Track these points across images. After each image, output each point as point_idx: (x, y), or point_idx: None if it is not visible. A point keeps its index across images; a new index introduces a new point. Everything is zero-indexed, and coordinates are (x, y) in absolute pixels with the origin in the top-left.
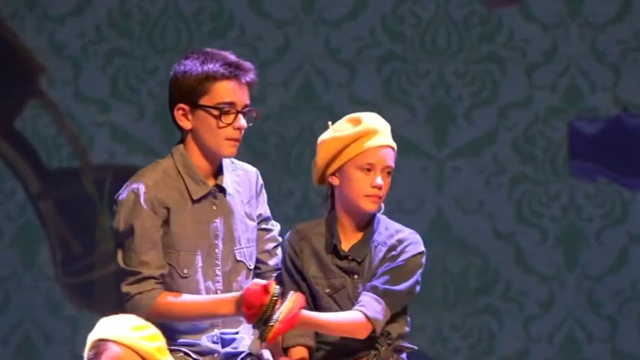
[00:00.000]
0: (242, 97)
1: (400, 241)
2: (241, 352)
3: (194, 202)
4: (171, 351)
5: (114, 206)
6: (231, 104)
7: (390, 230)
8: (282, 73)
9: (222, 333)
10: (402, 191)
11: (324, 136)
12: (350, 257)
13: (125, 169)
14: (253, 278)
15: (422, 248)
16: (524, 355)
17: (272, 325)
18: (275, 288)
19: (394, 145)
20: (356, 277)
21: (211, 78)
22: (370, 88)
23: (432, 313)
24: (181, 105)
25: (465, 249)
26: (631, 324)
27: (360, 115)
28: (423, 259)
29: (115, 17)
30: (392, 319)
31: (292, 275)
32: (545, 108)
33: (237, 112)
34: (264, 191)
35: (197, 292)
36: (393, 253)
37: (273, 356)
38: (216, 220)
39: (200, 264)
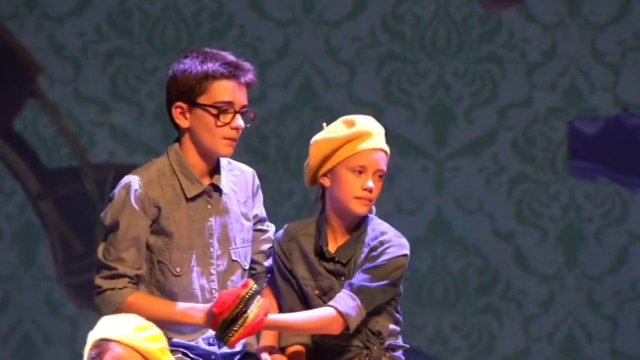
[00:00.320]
0: (240, 97)
1: (382, 243)
2: (238, 352)
3: (188, 200)
4: (170, 351)
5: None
6: (230, 104)
7: (375, 232)
8: (282, 73)
9: None
10: (402, 191)
11: (317, 137)
12: (336, 259)
13: (126, 168)
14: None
15: (404, 251)
16: (524, 354)
17: (236, 330)
18: (254, 285)
19: (387, 149)
20: (343, 279)
21: (210, 77)
22: (370, 88)
23: (432, 313)
24: (179, 103)
25: (465, 249)
26: (631, 324)
27: (354, 117)
28: (405, 262)
29: (114, 17)
30: (382, 318)
31: (284, 275)
32: (545, 108)
33: (235, 112)
34: (260, 192)
35: (191, 290)
36: (374, 253)
37: (270, 355)
38: (211, 219)
39: (194, 262)
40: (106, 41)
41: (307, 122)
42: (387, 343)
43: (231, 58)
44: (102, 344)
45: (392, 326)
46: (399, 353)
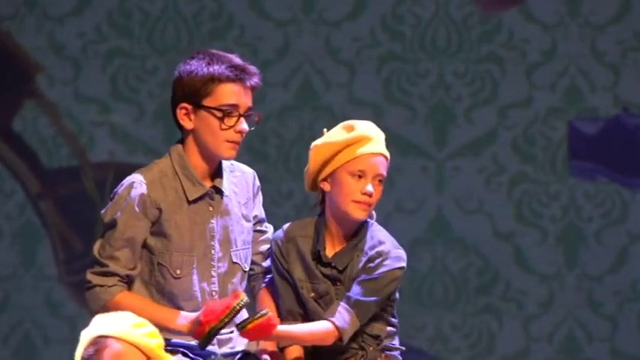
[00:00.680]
0: (245, 100)
1: (380, 254)
2: (239, 352)
3: (190, 202)
4: (169, 351)
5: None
6: (235, 107)
7: (374, 240)
8: (282, 73)
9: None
10: (402, 191)
11: (316, 142)
12: (332, 264)
13: (126, 167)
14: (248, 280)
15: (401, 264)
16: (524, 354)
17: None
18: (245, 297)
19: (387, 154)
20: (338, 284)
21: (216, 79)
22: (370, 88)
23: (432, 313)
24: (184, 104)
25: (465, 249)
26: (631, 324)
27: (354, 122)
28: (401, 275)
29: (115, 17)
30: (378, 323)
31: (282, 275)
32: (545, 108)
33: (240, 115)
34: (260, 193)
35: (191, 292)
36: (371, 264)
37: (270, 355)
38: (212, 221)
39: (195, 265)
40: (106, 41)
41: (307, 122)
42: (383, 344)
43: (237, 60)
44: (100, 341)
45: (388, 328)
46: (395, 353)
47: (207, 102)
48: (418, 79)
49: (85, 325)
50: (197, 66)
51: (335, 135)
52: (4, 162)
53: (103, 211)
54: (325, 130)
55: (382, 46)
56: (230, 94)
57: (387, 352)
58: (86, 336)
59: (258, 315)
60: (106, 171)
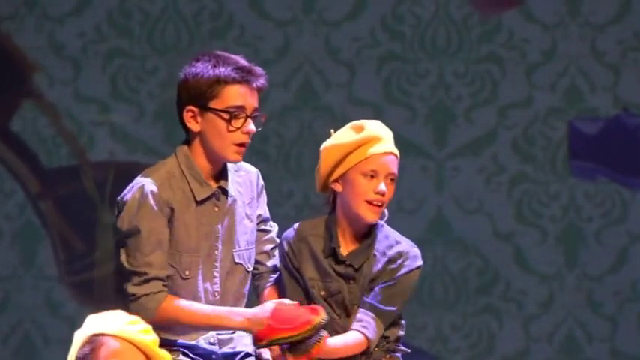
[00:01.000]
0: (252, 102)
1: (400, 254)
2: (239, 352)
3: (198, 203)
4: (169, 351)
5: (117, 206)
6: (242, 108)
7: (389, 240)
8: (282, 73)
9: (218, 334)
10: (402, 191)
11: (326, 144)
12: (347, 262)
13: (126, 166)
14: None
15: (420, 262)
16: (524, 354)
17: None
18: (326, 315)
19: (397, 152)
20: (352, 282)
21: (222, 81)
22: (370, 88)
23: (432, 313)
24: (191, 107)
25: (465, 249)
26: (631, 324)
27: (362, 122)
28: (419, 274)
29: (114, 17)
30: (393, 326)
31: (291, 273)
32: (545, 108)
33: (247, 117)
34: (264, 192)
35: (196, 293)
36: (392, 265)
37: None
38: (218, 222)
39: (200, 265)
40: (106, 41)
41: (307, 122)
42: (388, 345)
43: (243, 62)
44: (95, 339)
45: (400, 332)
46: (398, 354)
47: (213, 104)
48: (418, 79)
49: None
50: (203, 68)
51: (345, 136)
52: (4, 162)
53: (117, 221)
54: (332, 130)
55: (382, 46)
56: (237, 95)
57: (392, 354)
58: (80, 336)
59: (321, 337)
60: (106, 171)
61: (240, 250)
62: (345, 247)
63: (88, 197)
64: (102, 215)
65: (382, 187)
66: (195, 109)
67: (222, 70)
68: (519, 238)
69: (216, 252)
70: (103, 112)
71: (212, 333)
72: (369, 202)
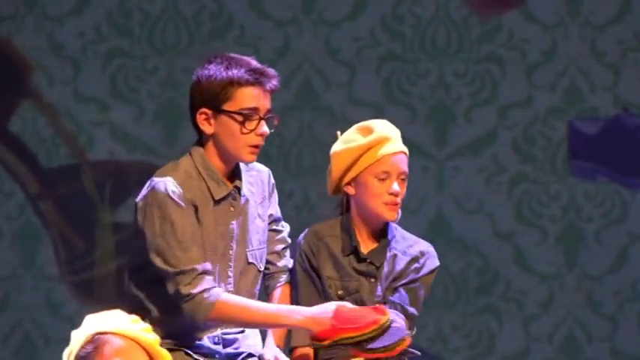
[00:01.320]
0: (265, 103)
1: (422, 254)
2: (242, 353)
3: (215, 202)
4: (172, 350)
5: (137, 208)
6: (255, 110)
7: (408, 240)
8: (282, 73)
9: (223, 333)
10: None
11: (336, 148)
12: (369, 260)
13: (126, 165)
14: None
15: (438, 262)
16: (524, 355)
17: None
18: (391, 314)
19: (406, 150)
20: (373, 280)
21: (235, 84)
22: (370, 88)
23: (432, 313)
24: (204, 109)
25: (465, 249)
26: (631, 324)
27: (370, 123)
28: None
29: (114, 17)
30: None
31: (308, 273)
32: (545, 108)
33: (260, 119)
34: (275, 191)
35: None
36: (416, 265)
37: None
38: (233, 222)
39: (217, 265)
40: (105, 41)
41: (307, 122)
42: None
43: (255, 64)
44: (98, 338)
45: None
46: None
47: (227, 106)
48: (418, 79)
49: None
50: (215, 70)
51: (354, 139)
52: (4, 162)
53: (143, 225)
54: (339, 133)
55: (382, 46)
56: (250, 97)
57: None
58: (80, 335)
59: (405, 336)
60: (105, 171)
61: (253, 250)
62: (365, 246)
63: (87, 197)
64: (102, 215)
65: (395, 187)
66: (209, 112)
67: (235, 73)
68: (519, 238)
69: (230, 252)
70: (103, 112)
71: (217, 332)
72: (386, 204)
